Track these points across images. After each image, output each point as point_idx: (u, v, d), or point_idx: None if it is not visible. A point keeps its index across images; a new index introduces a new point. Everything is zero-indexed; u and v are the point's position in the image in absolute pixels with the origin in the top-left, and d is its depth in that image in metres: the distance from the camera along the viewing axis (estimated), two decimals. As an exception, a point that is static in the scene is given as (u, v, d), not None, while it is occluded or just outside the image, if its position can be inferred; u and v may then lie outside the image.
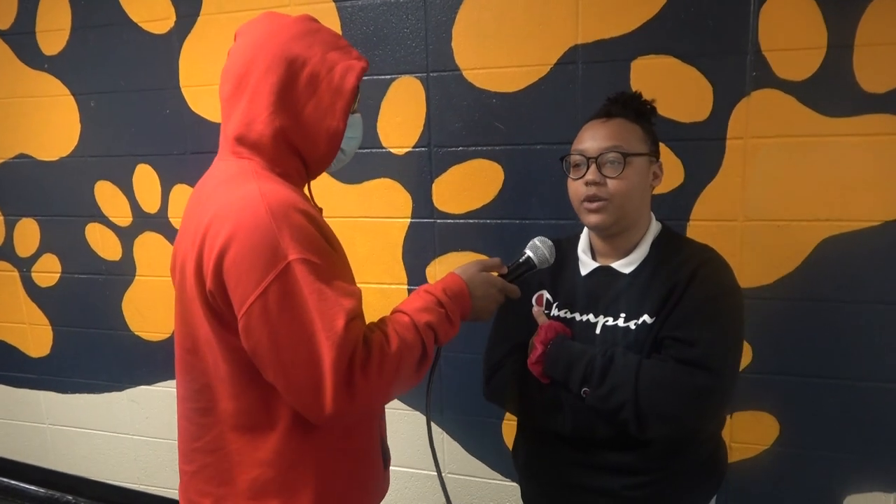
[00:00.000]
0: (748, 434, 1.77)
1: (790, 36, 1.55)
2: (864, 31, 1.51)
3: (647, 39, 1.64)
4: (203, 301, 1.01)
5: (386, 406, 1.25)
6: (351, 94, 1.06)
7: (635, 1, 1.63)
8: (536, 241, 1.25)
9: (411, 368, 1.04)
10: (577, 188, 1.22)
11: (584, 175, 1.20)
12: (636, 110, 1.24)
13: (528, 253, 1.25)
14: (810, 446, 1.73)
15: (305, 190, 1.18)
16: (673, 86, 1.63)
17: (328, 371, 0.93)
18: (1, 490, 2.84)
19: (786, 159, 1.61)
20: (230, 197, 0.99)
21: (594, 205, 1.19)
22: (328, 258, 0.98)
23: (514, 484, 2.03)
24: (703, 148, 1.66)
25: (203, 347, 1.05)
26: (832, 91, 1.55)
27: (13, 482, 2.86)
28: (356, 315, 0.98)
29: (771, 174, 1.62)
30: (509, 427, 2.00)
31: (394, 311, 1.10)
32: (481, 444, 2.05)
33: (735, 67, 1.60)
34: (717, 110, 1.63)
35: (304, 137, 1.07)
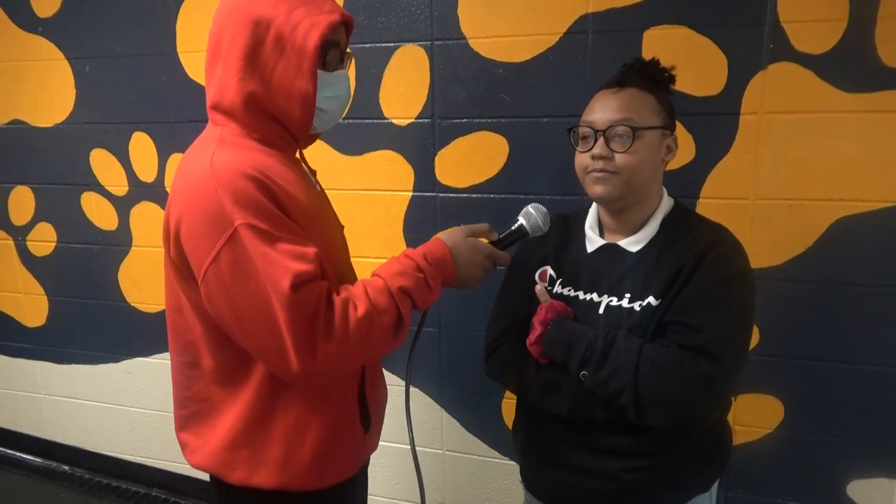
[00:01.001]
0: (752, 417, 1.74)
1: (810, 7, 1.49)
2: (887, 3, 1.44)
3: (661, 9, 1.58)
4: (172, 267, 1.07)
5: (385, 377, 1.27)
6: (313, 53, 1.02)
7: (650, -33, 1.57)
8: (530, 207, 1.21)
9: (385, 333, 1.03)
10: (583, 160, 1.17)
11: (591, 148, 1.14)
12: (652, 78, 1.18)
13: (521, 220, 1.20)
14: (815, 431, 1.70)
15: (297, 155, 1.18)
16: (686, 58, 1.57)
17: (285, 333, 0.94)
18: (-3, 459, 2.84)
19: (801, 136, 1.55)
20: (190, 166, 1.02)
21: (600, 174, 1.14)
22: (275, 222, 0.96)
23: (513, 463, 2.01)
24: (715, 123, 1.60)
25: (184, 307, 1.10)
26: (852, 65, 1.49)
27: (9, 451, 2.85)
28: (308, 277, 0.95)
29: (785, 151, 1.57)
30: (509, 406, 1.97)
31: (371, 275, 1.08)
32: (480, 423, 2.03)
33: (751, 39, 1.54)
34: (732, 84, 1.57)
35: (277, 102, 1.05)
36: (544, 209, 1.21)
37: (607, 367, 1.09)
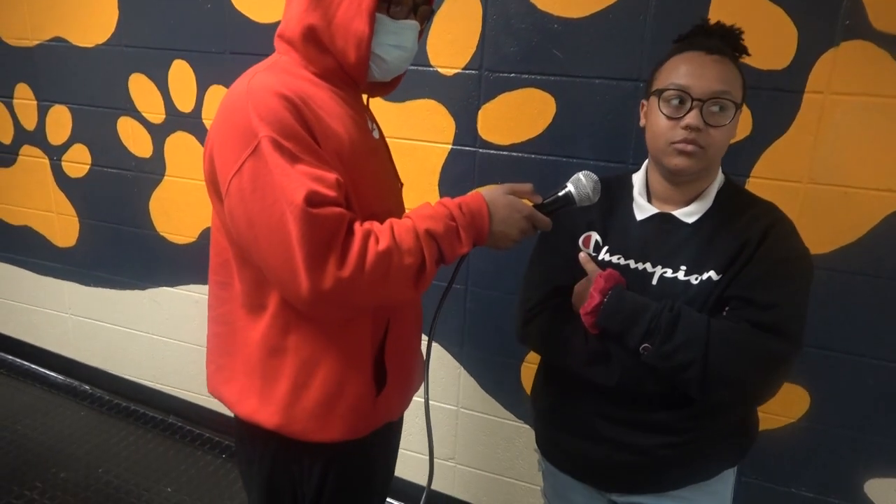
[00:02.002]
0: (777, 406, 1.71)
1: (896, -18, 1.40)
2: (982, -16, 1.35)
3: (734, -29, 1.49)
4: (208, 183, 1.07)
5: (406, 320, 1.22)
6: None
7: (727, -74, 1.47)
8: (580, 175, 1.13)
9: (404, 275, 0.99)
10: (668, 128, 1.09)
11: (683, 116, 1.07)
12: (735, 48, 1.12)
13: (570, 187, 1.13)
14: (838, 425, 1.67)
15: (360, 101, 1.17)
16: (754, 27, 1.46)
17: (297, 248, 0.92)
18: (22, 373, 2.92)
19: (866, 120, 1.47)
20: (233, 86, 1.03)
21: (689, 147, 1.07)
22: (299, 143, 0.95)
23: (526, 426, 2.01)
24: (777, 99, 1.52)
25: (220, 226, 1.11)
26: (933, 49, 1.40)
27: (34, 366, 2.94)
28: (324, 199, 0.93)
29: (846, 135, 1.49)
30: (528, 369, 1.96)
31: (402, 216, 1.06)
32: (498, 384, 2.02)
33: (827, 12, 1.45)
34: (799, 59, 1.49)
35: (335, 40, 1.04)
36: (596, 178, 1.13)
37: (675, 339, 1.06)
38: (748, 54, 1.16)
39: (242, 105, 0.96)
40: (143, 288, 2.51)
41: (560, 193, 1.14)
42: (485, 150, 1.82)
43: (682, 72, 1.08)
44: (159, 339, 2.56)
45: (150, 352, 2.61)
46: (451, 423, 2.12)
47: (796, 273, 1.08)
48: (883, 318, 1.57)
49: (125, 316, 2.60)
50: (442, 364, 2.06)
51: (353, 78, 1.09)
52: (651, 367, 1.10)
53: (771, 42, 1.50)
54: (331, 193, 0.94)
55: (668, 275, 1.13)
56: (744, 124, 1.55)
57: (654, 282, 1.13)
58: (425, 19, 1.13)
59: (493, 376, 2.02)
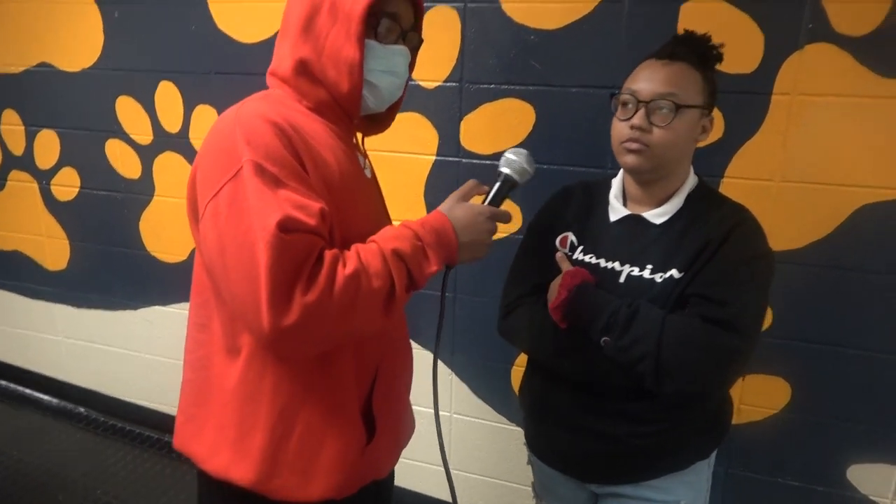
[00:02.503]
0: (758, 397, 1.76)
1: (853, -13, 1.46)
2: (934, -13, 1.42)
3: (701, -19, 1.56)
4: (191, 212, 1.03)
5: (396, 370, 1.17)
6: (360, 17, 0.97)
7: (692, -62, 1.54)
8: (508, 154, 1.13)
9: (373, 299, 0.93)
10: (620, 129, 1.17)
11: (630, 118, 1.14)
12: (703, 55, 1.17)
13: (505, 170, 1.13)
14: (819, 414, 1.72)
15: (353, 138, 1.14)
16: (722, 33, 1.50)
17: (263, 275, 0.84)
18: (16, 398, 2.92)
19: (833, 120, 1.54)
20: (225, 114, 1.00)
21: (633, 145, 1.14)
22: (285, 170, 0.90)
23: (519, 429, 2.05)
24: (746, 102, 1.59)
25: (200, 260, 1.06)
26: (892, 50, 1.46)
27: (27, 391, 2.94)
28: (302, 226, 0.88)
29: (815, 135, 1.56)
30: (518, 373, 2.00)
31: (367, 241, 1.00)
32: (489, 388, 2.06)
33: (790, 17, 1.51)
34: (766, 63, 1.55)
35: (327, 72, 1.02)
36: (525, 151, 1.15)
37: (630, 334, 1.11)
38: (719, 59, 1.21)
39: (230, 130, 0.93)
40: (135, 308, 2.53)
41: (500, 180, 1.14)
42: (468, 160, 1.87)
43: (636, 78, 1.16)
44: (153, 358, 2.58)
45: (144, 372, 2.62)
46: (445, 429, 2.15)
47: (753, 272, 1.12)
48: (855, 309, 1.62)
49: (118, 337, 2.61)
50: (427, 371, 2.09)
51: (347, 109, 1.07)
52: (613, 361, 1.15)
53: (739, 47, 1.56)
54: (310, 221, 0.88)
55: (634, 273, 1.18)
56: (716, 127, 1.60)
57: (622, 280, 1.19)
58: (415, 48, 1.12)
59: (485, 381, 2.06)
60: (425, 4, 1.76)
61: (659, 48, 1.20)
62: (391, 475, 1.26)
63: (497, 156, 1.80)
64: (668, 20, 1.59)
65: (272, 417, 1.00)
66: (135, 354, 2.61)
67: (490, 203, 1.11)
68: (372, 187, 1.17)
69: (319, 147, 0.99)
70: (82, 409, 2.82)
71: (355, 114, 1.08)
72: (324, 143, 1.00)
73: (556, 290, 1.21)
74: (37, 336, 2.80)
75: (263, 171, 0.89)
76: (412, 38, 1.10)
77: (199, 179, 0.96)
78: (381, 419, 1.11)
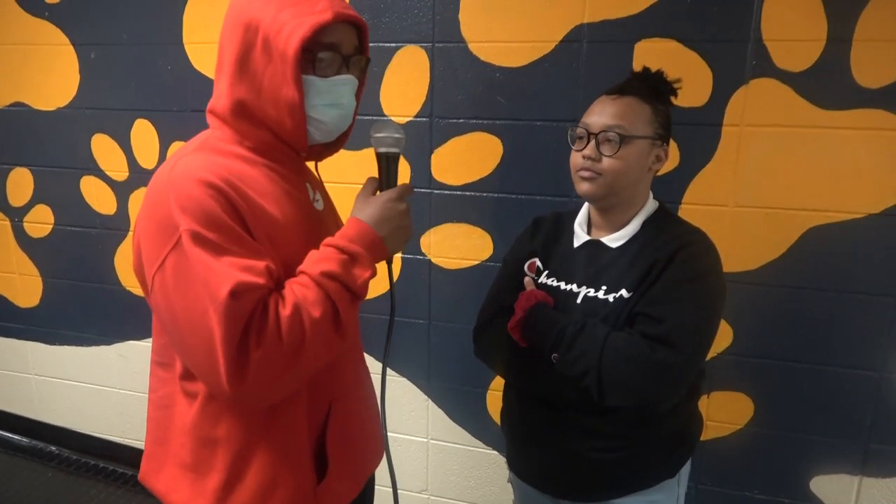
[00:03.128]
0: (723, 413, 1.83)
1: (791, 27, 1.58)
2: (863, 27, 1.54)
3: (652, 22, 1.66)
4: (138, 276, 1.02)
5: (351, 405, 1.16)
6: (294, 58, 0.94)
7: (643, -17, 1.65)
8: (374, 133, 1.09)
9: (322, 328, 0.92)
10: (575, 159, 1.26)
11: (583, 148, 1.23)
12: (653, 89, 1.25)
13: (380, 150, 1.09)
14: (782, 428, 1.80)
15: (308, 170, 1.14)
16: (674, 70, 1.61)
17: (219, 344, 0.86)
18: (-17, 438, 2.86)
19: (779, 148, 1.65)
20: (161, 170, 0.97)
21: (586, 174, 1.23)
22: (225, 235, 0.89)
23: (496, 452, 2.09)
24: (699, 133, 1.69)
25: None
26: (829, 84, 1.58)
27: (-3, 430, 2.88)
28: (251, 287, 0.88)
29: (763, 162, 1.66)
30: (493, 396, 2.05)
31: (296, 274, 0.99)
32: (465, 413, 2.10)
33: (736, 55, 1.63)
34: (716, 96, 1.66)
35: (267, 111, 0.99)
36: (385, 120, 1.13)
37: (575, 350, 1.18)
38: (673, 93, 1.29)
39: (164, 195, 0.90)
40: (109, 343, 2.52)
41: (383, 162, 1.10)
42: (439, 191, 1.94)
43: (590, 112, 1.25)
44: (128, 393, 2.56)
45: (118, 407, 2.60)
46: (422, 455, 2.18)
47: (693, 289, 1.18)
48: (808, 326, 1.72)
49: (92, 373, 2.59)
50: (410, 397, 2.13)
51: (293, 146, 1.05)
52: (564, 376, 1.21)
53: (690, 82, 1.66)
54: (259, 281, 0.88)
55: (590, 294, 1.25)
56: (672, 156, 1.70)
57: (579, 301, 1.26)
58: (362, 71, 1.09)
59: (461, 406, 2.10)
60: (395, 44, 1.87)
61: (619, 84, 1.28)
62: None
63: (468, 186, 1.90)
64: (624, 58, 1.69)
65: (227, 460, 1.02)
66: (109, 390, 2.59)
67: (387, 187, 1.09)
68: (324, 219, 1.14)
69: (260, 198, 0.96)
70: (54, 448, 2.77)
71: (302, 148, 1.06)
72: (266, 193, 0.98)
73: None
74: (7, 374, 2.77)
75: (203, 240, 0.87)
76: (357, 62, 1.06)
77: (142, 247, 0.94)
78: (334, 456, 1.10)
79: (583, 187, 1.25)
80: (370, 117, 1.93)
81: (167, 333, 0.97)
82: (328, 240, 1.00)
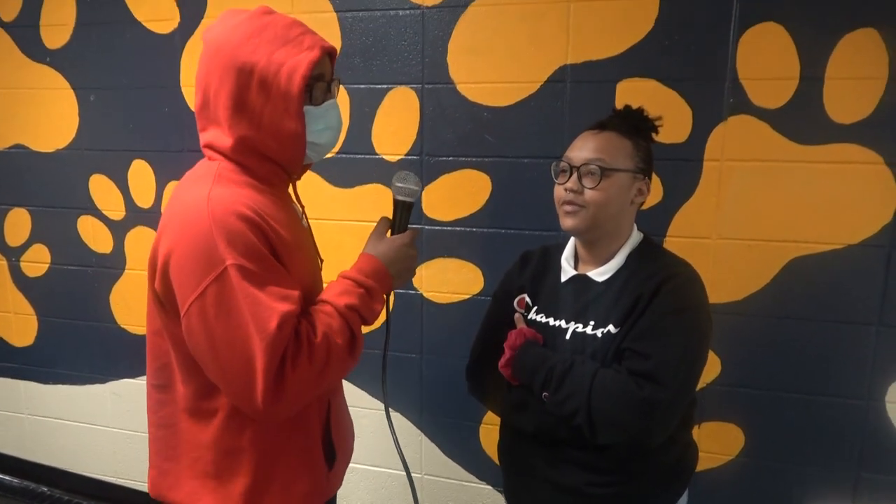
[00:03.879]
0: (715, 444, 1.84)
1: (766, 66, 1.65)
2: (834, 65, 1.61)
3: (633, 63, 1.73)
4: (153, 295, 1.11)
5: (352, 406, 1.35)
6: (297, 96, 1.05)
7: (623, 26, 1.72)
8: (395, 182, 1.23)
9: (342, 353, 1.06)
10: (559, 192, 1.28)
11: (566, 182, 1.26)
12: (634, 125, 1.30)
13: (397, 197, 1.23)
14: (773, 458, 1.81)
15: (291, 191, 1.23)
16: (655, 108, 1.67)
17: (260, 371, 0.97)
18: (-27, 480, 2.83)
19: (758, 182, 1.70)
20: (185, 199, 1.05)
21: (569, 207, 1.26)
22: (265, 264, 1.00)
23: (490, 487, 2.08)
24: (681, 168, 1.74)
25: (163, 331, 1.13)
26: (803, 119, 1.64)
27: (-13, 472, 2.85)
28: (291, 317, 1.00)
29: (744, 195, 1.71)
30: (486, 430, 2.05)
31: (317, 302, 1.11)
32: (459, 447, 2.10)
33: (714, 93, 1.69)
34: (696, 133, 1.72)
35: (269, 143, 1.09)
36: (405, 173, 1.24)
37: (564, 389, 1.19)
38: (653, 129, 1.33)
39: (205, 227, 0.98)
40: (103, 381, 2.52)
41: (398, 209, 1.24)
42: (430, 227, 1.98)
43: (572, 147, 1.29)
44: (120, 432, 2.55)
45: (111, 446, 2.59)
46: (417, 490, 2.16)
47: (681, 324, 1.19)
48: (794, 355, 1.74)
49: (85, 411, 2.59)
50: (403, 432, 2.13)
51: (289, 169, 1.15)
52: (552, 414, 1.22)
53: (671, 120, 1.70)
54: (294, 311, 1.01)
55: (579, 330, 1.27)
56: (655, 191, 1.75)
57: (568, 336, 1.28)
58: (337, 88, 1.18)
59: (454, 440, 2.10)
60: (386, 85, 1.94)
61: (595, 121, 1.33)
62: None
63: (458, 222, 1.94)
64: (607, 97, 1.75)
65: (253, 466, 1.11)
66: (101, 428, 2.58)
67: (399, 230, 1.23)
68: (308, 236, 1.26)
69: (277, 226, 1.06)
70: (45, 489, 2.74)
71: (296, 172, 1.18)
72: (278, 219, 1.07)
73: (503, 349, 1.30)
74: (-1, 415, 2.76)
75: (248, 273, 0.98)
76: (335, 84, 1.16)
77: (174, 271, 1.02)
78: (338, 444, 1.25)
79: (567, 222, 1.28)
80: (363, 156, 1.99)
81: (198, 355, 1.04)
82: (346, 273, 1.14)
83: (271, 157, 1.11)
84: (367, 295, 1.12)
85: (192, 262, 0.99)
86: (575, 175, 1.25)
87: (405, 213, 1.24)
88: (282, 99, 1.05)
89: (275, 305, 0.98)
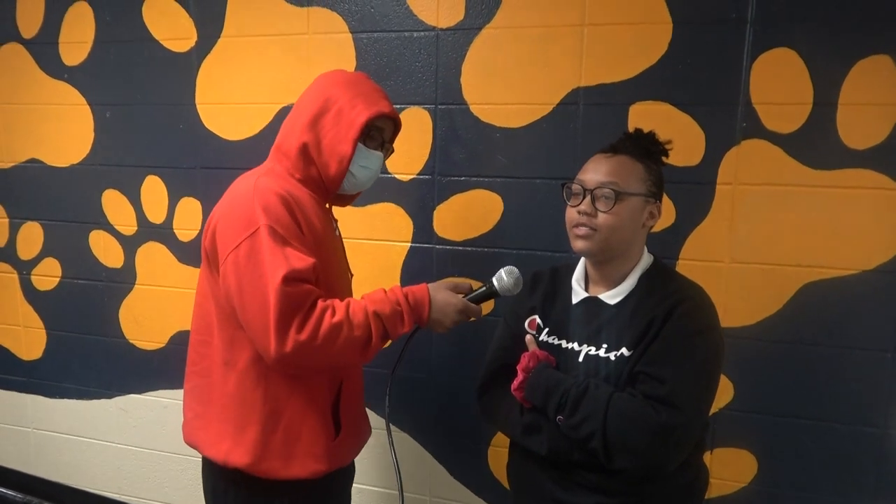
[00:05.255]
0: (727, 470, 1.82)
1: (779, 91, 1.65)
2: (847, 91, 1.61)
3: (646, 86, 1.74)
4: (205, 256, 1.36)
5: (355, 386, 1.50)
6: (360, 127, 1.34)
7: (636, 49, 1.74)
8: (503, 272, 1.39)
9: (352, 345, 1.25)
10: (571, 214, 1.29)
11: (578, 204, 1.26)
12: (645, 149, 1.30)
13: (494, 282, 1.40)
14: (786, 486, 1.78)
15: (326, 204, 1.49)
16: (668, 131, 1.68)
17: (271, 316, 1.19)
18: (-24, 494, 2.81)
19: (771, 206, 1.69)
20: (238, 185, 1.36)
21: (581, 230, 1.26)
22: (290, 233, 1.26)
23: (497, 510, 2.06)
24: (694, 191, 1.74)
25: (209, 292, 1.37)
26: (816, 144, 1.64)
27: (-10, 486, 2.83)
28: (303, 277, 1.22)
29: (757, 219, 1.71)
30: (494, 453, 2.03)
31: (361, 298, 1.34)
32: (466, 469, 2.08)
33: (727, 117, 1.70)
34: (709, 156, 1.72)
35: (321, 155, 1.37)
36: (517, 273, 1.39)
37: (579, 413, 1.18)
38: (664, 153, 1.34)
39: (249, 199, 1.27)
40: (110, 397, 2.52)
41: (484, 287, 1.41)
42: (441, 246, 1.98)
43: (584, 170, 1.30)
44: (126, 447, 2.54)
45: (115, 462, 2.57)
46: (423, 512, 2.14)
47: (695, 348, 1.19)
48: (808, 381, 1.72)
49: (91, 426, 2.58)
50: (411, 454, 2.11)
51: (328, 186, 1.41)
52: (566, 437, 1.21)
53: (684, 143, 1.73)
54: (306, 272, 1.23)
55: (591, 352, 1.26)
56: (667, 213, 1.75)
57: (581, 359, 1.27)
58: (388, 154, 1.49)
59: (462, 462, 2.08)
60: (400, 106, 1.95)
61: (612, 144, 1.34)
62: (353, 466, 1.59)
63: (468, 241, 1.94)
64: (619, 120, 1.76)
65: (262, 416, 1.33)
66: (107, 444, 2.56)
67: (469, 299, 1.40)
68: (340, 244, 1.53)
69: (309, 213, 1.33)
70: (48, 505, 2.73)
71: (333, 190, 1.43)
72: (312, 211, 1.35)
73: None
74: (4, 428, 2.75)
75: (275, 233, 1.24)
76: (388, 149, 1.48)
77: (219, 232, 1.30)
78: (344, 420, 1.43)
79: (578, 244, 1.28)
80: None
81: (230, 301, 1.28)
82: (396, 287, 1.36)
83: (318, 167, 1.38)
84: (400, 315, 1.31)
85: (235, 223, 1.26)
86: (588, 198, 1.25)
87: (485, 295, 1.41)
88: (347, 126, 1.34)
89: (289, 260, 1.21)
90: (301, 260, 1.23)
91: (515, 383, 1.28)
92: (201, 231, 2.03)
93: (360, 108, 1.35)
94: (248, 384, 1.33)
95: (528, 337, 1.35)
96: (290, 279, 1.20)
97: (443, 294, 1.37)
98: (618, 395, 1.18)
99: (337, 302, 1.27)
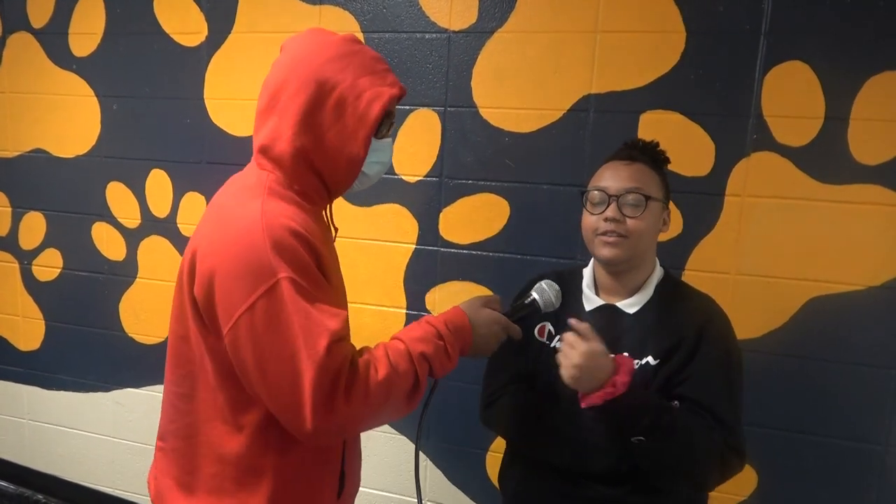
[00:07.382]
0: (727, 484, 1.78)
1: (791, 104, 1.65)
2: (859, 106, 1.61)
3: (657, 95, 1.74)
4: (192, 302, 1.06)
5: (363, 433, 1.26)
6: (374, 123, 1.07)
7: (648, 58, 1.73)
8: (543, 284, 1.26)
9: (402, 396, 1.04)
10: (593, 222, 1.26)
11: (604, 211, 1.25)
12: (654, 158, 1.31)
13: (535, 295, 1.26)
14: (785, 501, 1.77)
15: (325, 211, 1.21)
16: (678, 141, 1.72)
17: (307, 390, 0.94)
18: (-31, 484, 2.79)
19: (779, 219, 1.69)
20: (235, 210, 1.04)
21: (611, 238, 1.23)
22: (315, 282, 1.00)
23: (494, 516, 2.04)
24: (702, 201, 1.74)
25: (192, 338, 1.09)
26: (827, 159, 1.64)
27: (-17, 477, 2.81)
28: (341, 337, 0.99)
29: (765, 232, 1.70)
30: (493, 458, 2.02)
31: (392, 338, 1.10)
32: (464, 474, 2.07)
33: (737, 129, 1.69)
34: (718, 167, 1.72)
35: (325, 160, 1.08)
36: (557, 287, 1.27)
37: (674, 441, 1.15)
38: (667, 161, 1.34)
39: (258, 240, 0.97)
40: (106, 390, 2.50)
41: (526, 301, 1.26)
42: (446, 249, 1.97)
43: (602, 177, 1.29)
44: (120, 442, 2.52)
45: (109, 456, 2.55)
46: (419, 517, 2.12)
47: (735, 370, 1.24)
48: (812, 396, 1.71)
49: (86, 420, 2.56)
50: (408, 457, 2.10)
51: (335, 191, 1.14)
52: (597, 449, 1.21)
53: (693, 153, 1.73)
54: (344, 330, 0.99)
55: None
56: (675, 223, 1.74)
57: None
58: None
59: (459, 467, 2.07)
60: (409, 107, 1.95)
61: (615, 152, 1.33)
62: None
63: (474, 245, 1.93)
64: (629, 128, 1.75)
65: (272, 487, 1.09)
66: (102, 437, 2.55)
67: (510, 315, 1.22)
68: (336, 252, 1.26)
69: (319, 244, 1.05)
70: (41, 497, 2.71)
71: (339, 195, 1.18)
72: (319, 238, 1.06)
73: (589, 374, 1.15)
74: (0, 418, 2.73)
75: (300, 288, 0.97)
76: (394, 124, 1.19)
77: (220, 283, 0.99)
78: (348, 475, 1.22)
79: (605, 252, 1.25)
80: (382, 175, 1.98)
81: (243, 371, 1.01)
82: (431, 319, 1.12)
83: (321, 175, 1.10)
84: (445, 350, 1.09)
85: (242, 275, 0.97)
86: (614, 204, 1.24)
87: (526, 310, 1.25)
88: (355, 121, 1.06)
89: (326, 322, 0.96)
90: (335, 316, 0.98)
91: (608, 395, 1.14)
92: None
93: (370, 94, 1.06)
94: (255, 452, 1.08)
95: (572, 320, 1.22)
96: (333, 345, 0.96)
97: (484, 314, 1.17)
98: (700, 433, 1.17)
99: (374, 352, 1.05)
